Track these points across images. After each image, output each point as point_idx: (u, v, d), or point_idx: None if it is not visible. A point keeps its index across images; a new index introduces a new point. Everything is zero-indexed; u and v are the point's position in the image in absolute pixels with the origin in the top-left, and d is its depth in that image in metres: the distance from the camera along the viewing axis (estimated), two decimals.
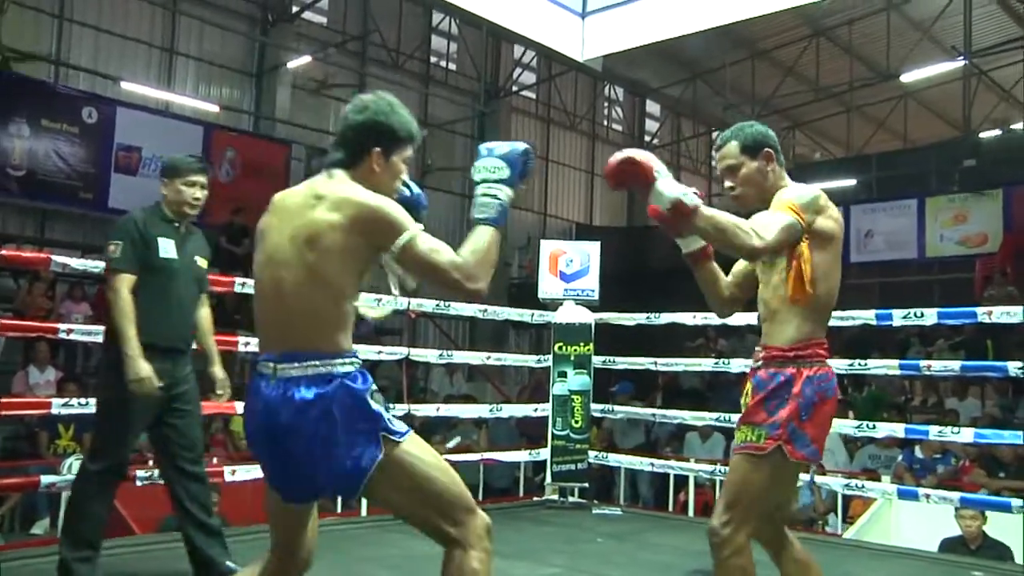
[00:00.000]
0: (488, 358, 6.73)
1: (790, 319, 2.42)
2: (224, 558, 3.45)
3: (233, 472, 4.42)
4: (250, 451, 2.12)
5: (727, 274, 2.64)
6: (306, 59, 13.60)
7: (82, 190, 11.22)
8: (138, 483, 4.06)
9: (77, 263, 4.22)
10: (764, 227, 2.27)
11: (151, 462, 6.60)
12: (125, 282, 3.25)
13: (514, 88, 17.12)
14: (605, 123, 19.91)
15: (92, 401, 3.98)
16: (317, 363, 1.95)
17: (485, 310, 6.15)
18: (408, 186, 2.25)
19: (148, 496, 4.60)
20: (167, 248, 3.36)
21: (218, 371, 3.64)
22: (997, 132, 15.08)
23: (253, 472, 4.54)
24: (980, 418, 8.41)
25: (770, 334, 2.48)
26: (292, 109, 13.83)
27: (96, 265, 4.08)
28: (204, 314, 3.62)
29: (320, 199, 2.01)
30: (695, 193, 2.22)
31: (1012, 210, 12.64)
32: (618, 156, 2.26)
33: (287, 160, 13.38)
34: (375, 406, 1.98)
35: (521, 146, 2.15)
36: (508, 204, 2.10)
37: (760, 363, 2.48)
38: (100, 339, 4.00)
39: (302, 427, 1.92)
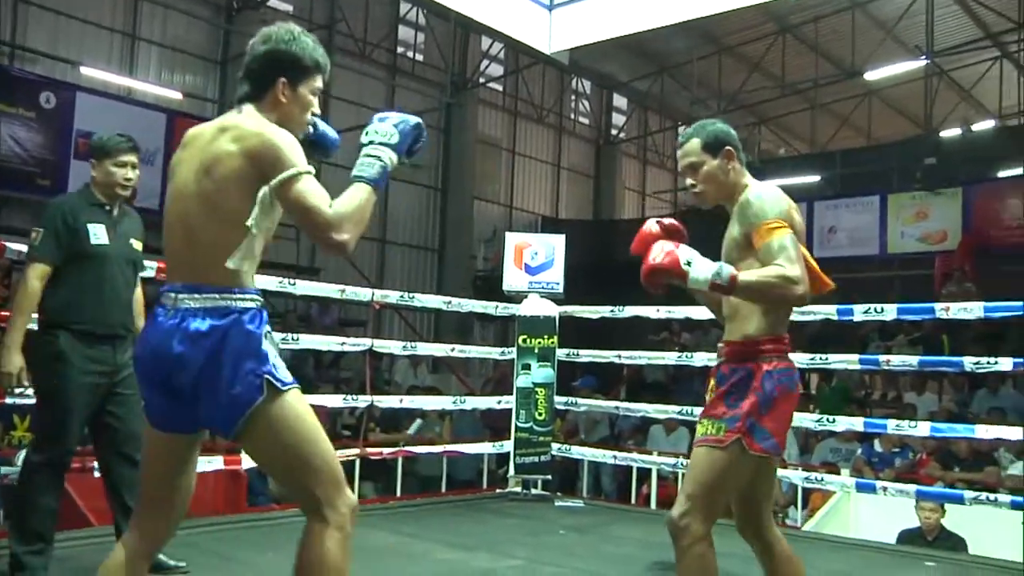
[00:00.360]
0: (452, 350, 6.71)
1: (751, 315, 2.45)
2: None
3: None
4: (137, 379, 2.10)
5: None
6: None
7: (40, 176, 11.00)
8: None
9: None
10: (789, 267, 2.30)
11: None
12: (36, 271, 3.20)
13: (481, 80, 17.07)
14: (572, 116, 19.92)
15: None
16: (216, 296, 1.96)
17: (450, 302, 6.13)
18: (314, 124, 2.22)
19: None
20: (97, 233, 3.30)
21: None
22: (958, 131, 15.31)
23: (214, 463, 4.51)
24: (937, 412, 8.54)
25: (732, 330, 2.51)
26: None
27: None
28: (136, 296, 3.53)
29: (224, 131, 2.01)
30: (725, 265, 2.33)
31: (971, 208, 12.86)
32: (644, 269, 2.37)
33: None
34: (266, 348, 1.97)
35: (414, 119, 2.14)
36: (390, 168, 2.07)
37: (722, 359, 2.52)
38: None
39: (191, 357, 1.93)
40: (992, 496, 4.42)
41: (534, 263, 6.22)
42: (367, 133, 2.09)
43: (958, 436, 5.37)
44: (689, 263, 2.30)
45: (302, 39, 2.12)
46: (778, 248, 2.32)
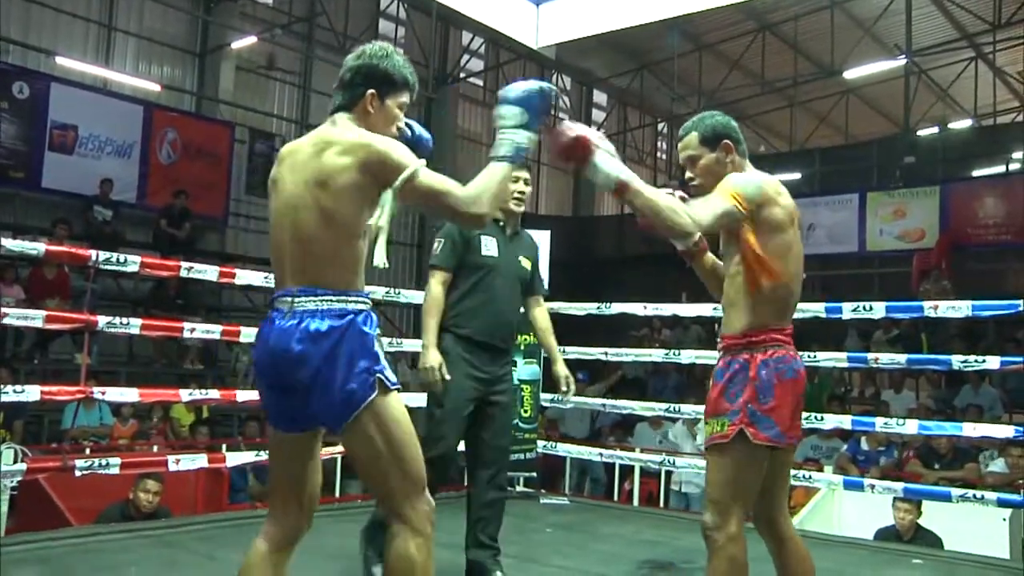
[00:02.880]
0: None
1: (745, 308, 2.44)
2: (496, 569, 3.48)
3: (177, 462, 4.29)
4: (256, 380, 2.25)
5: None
6: (251, 39, 13.29)
7: (12, 168, 10.78)
8: (77, 473, 3.90)
9: (10, 244, 4.02)
10: (700, 211, 2.30)
11: (88, 451, 6.42)
12: (438, 278, 3.39)
13: (462, 75, 16.98)
14: (552, 112, 19.83)
15: (27, 388, 3.84)
16: (332, 298, 2.08)
17: None
18: (411, 127, 2.37)
19: (86, 487, 4.45)
20: (488, 246, 3.44)
21: (560, 369, 3.73)
22: (935, 130, 15.44)
23: (198, 461, 4.43)
24: (915, 409, 8.61)
25: (727, 323, 2.51)
26: (236, 90, 13.51)
27: (33, 247, 3.92)
28: (538, 314, 3.76)
29: (329, 144, 2.12)
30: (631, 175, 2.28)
31: (948, 207, 12.98)
32: (568, 134, 2.29)
33: (230, 142, 13.08)
34: (377, 349, 2.10)
35: (534, 86, 2.25)
36: (525, 144, 2.20)
37: (720, 352, 2.51)
38: (36, 324, 3.87)
39: (311, 356, 2.04)
40: (979, 494, 4.43)
41: None
42: (495, 119, 2.22)
43: (947, 434, 5.38)
44: (599, 149, 2.25)
45: (394, 57, 2.28)
46: (709, 200, 2.34)
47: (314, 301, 2.07)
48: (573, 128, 2.28)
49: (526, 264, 3.61)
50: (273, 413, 2.18)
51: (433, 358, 3.28)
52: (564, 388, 3.77)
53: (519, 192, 3.50)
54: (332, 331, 2.05)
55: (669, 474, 7.25)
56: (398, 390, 2.12)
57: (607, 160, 2.26)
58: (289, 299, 2.10)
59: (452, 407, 3.35)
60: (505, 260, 3.47)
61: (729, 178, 2.44)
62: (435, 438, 3.32)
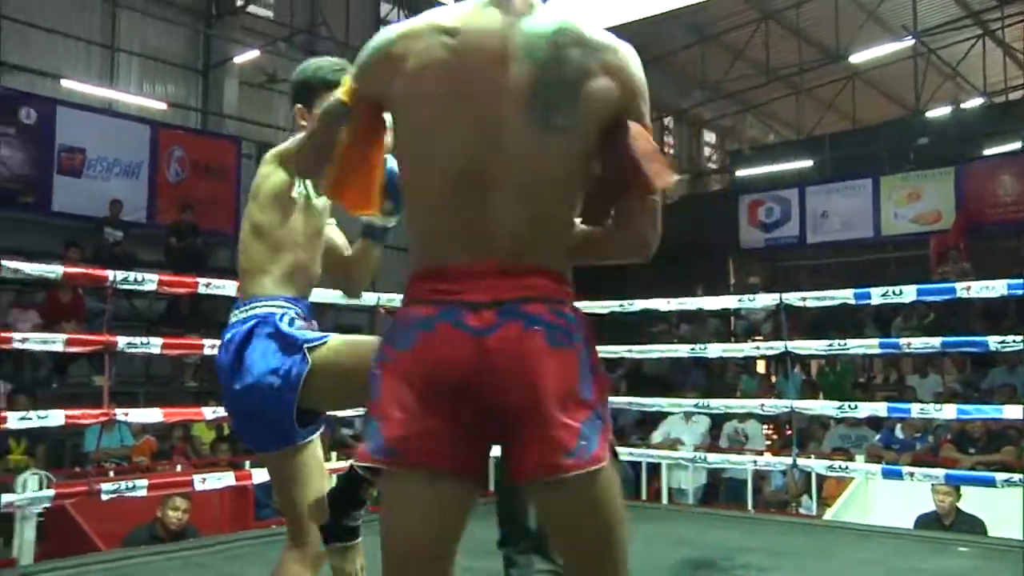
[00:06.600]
0: None
1: None
2: None
3: (203, 480, 4.23)
4: None
5: None
6: (254, 53, 13.26)
7: (23, 193, 10.76)
8: (103, 497, 3.85)
9: (30, 268, 3.98)
10: None
11: (112, 473, 6.37)
12: None
13: None
14: None
15: (51, 413, 3.80)
16: (246, 307, 2.06)
17: None
18: None
19: (113, 510, 4.40)
20: None
21: None
22: (947, 110, 15.26)
23: (225, 480, 4.37)
24: (942, 393, 8.47)
25: None
26: (241, 104, 13.48)
27: (52, 270, 3.88)
28: None
29: (261, 160, 2.17)
30: None
31: (963, 187, 12.81)
32: None
33: (237, 157, 13.05)
34: (287, 329, 2.01)
35: None
36: None
37: None
38: (56, 348, 3.82)
39: (223, 363, 2.03)
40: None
41: None
42: None
43: (986, 417, 5.27)
44: None
45: (315, 63, 2.22)
46: None
47: (234, 314, 2.07)
48: None
49: None
50: (240, 434, 2.24)
51: None
52: None
53: None
54: (234, 336, 2.02)
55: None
56: (326, 337, 2.05)
57: None
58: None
59: None
60: None
61: None
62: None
